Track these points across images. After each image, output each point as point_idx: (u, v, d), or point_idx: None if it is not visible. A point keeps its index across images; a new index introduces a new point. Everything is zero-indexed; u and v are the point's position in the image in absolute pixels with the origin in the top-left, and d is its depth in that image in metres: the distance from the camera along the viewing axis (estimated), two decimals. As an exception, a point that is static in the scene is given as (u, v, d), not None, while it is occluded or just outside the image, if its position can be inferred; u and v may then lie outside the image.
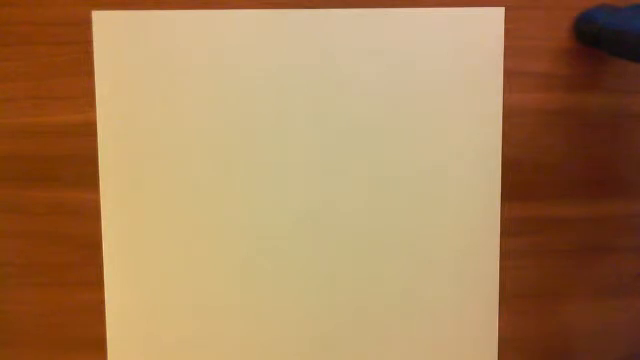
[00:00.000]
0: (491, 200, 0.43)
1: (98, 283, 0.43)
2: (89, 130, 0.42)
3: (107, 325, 0.43)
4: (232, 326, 0.43)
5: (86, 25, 0.41)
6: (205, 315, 0.43)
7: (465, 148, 0.42)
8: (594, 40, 0.40)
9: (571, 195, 0.44)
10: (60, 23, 0.41)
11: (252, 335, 0.43)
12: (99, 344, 0.43)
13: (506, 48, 0.42)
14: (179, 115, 0.42)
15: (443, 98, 0.42)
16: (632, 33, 0.36)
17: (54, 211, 0.42)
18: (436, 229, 0.43)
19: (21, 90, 0.42)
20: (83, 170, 0.42)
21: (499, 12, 0.42)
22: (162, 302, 0.43)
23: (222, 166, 0.42)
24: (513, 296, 0.44)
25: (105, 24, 0.41)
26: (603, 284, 0.44)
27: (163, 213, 0.42)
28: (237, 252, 0.43)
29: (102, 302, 0.43)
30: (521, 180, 0.43)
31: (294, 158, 0.42)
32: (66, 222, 0.42)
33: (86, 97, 0.42)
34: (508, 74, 0.42)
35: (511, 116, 0.43)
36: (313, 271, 0.43)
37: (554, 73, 0.42)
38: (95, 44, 0.41)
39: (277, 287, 0.43)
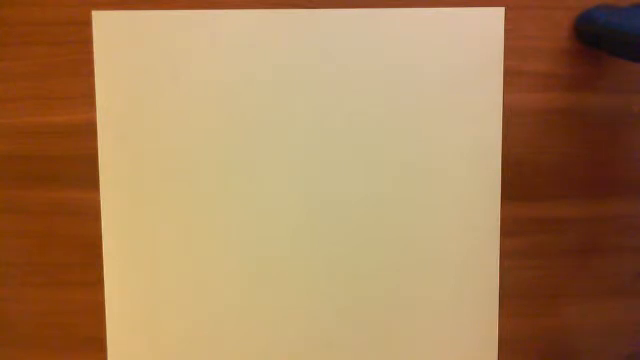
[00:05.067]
0: (491, 200, 0.43)
1: (98, 283, 0.43)
2: (89, 130, 0.42)
3: (107, 325, 0.43)
4: (232, 326, 0.43)
5: (86, 25, 0.41)
6: (205, 315, 0.43)
7: (465, 148, 0.42)
8: (594, 40, 0.40)
9: (571, 195, 0.44)
10: (60, 23, 0.41)
11: (252, 335, 0.43)
12: (99, 344, 0.43)
13: (506, 48, 0.42)
14: (179, 115, 0.42)
15: (443, 98, 0.42)
16: (632, 33, 0.36)
17: (54, 211, 0.42)
18: (436, 229, 0.43)
19: (21, 90, 0.42)
20: (83, 170, 0.42)
21: (499, 12, 0.42)
22: (162, 302, 0.43)
23: (222, 166, 0.42)
24: (513, 296, 0.44)
25: (105, 24, 0.41)
26: (603, 284, 0.44)
27: (163, 213, 0.42)
28: (237, 251, 0.43)
29: (102, 302, 0.43)
30: (521, 180, 0.43)
31: (294, 158, 0.42)
32: (66, 222, 0.42)
33: (86, 97, 0.42)
34: (508, 74, 0.42)
35: (511, 116, 0.43)
36: (313, 271, 0.43)
37: (554, 73, 0.42)
38: (95, 44, 0.41)
39: (277, 287, 0.43)
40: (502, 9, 0.42)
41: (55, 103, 0.42)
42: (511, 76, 0.42)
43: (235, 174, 0.42)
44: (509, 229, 0.43)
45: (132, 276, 0.43)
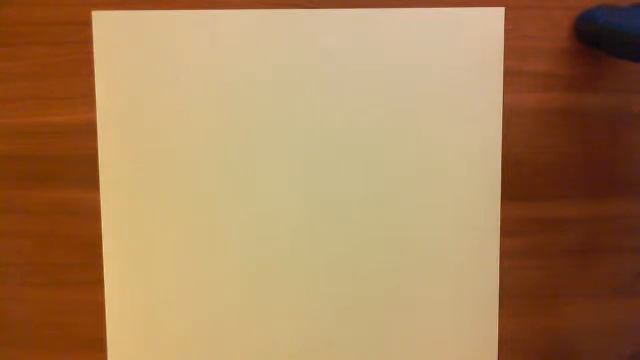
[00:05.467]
0: (491, 200, 0.43)
1: (98, 283, 0.43)
2: (89, 130, 0.42)
3: (107, 325, 0.43)
4: (232, 326, 0.43)
5: (86, 25, 0.41)
6: (205, 315, 0.43)
7: (465, 148, 0.42)
8: (594, 40, 0.40)
9: (571, 195, 0.44)
10: (60, 23, 0.41)
11: (252, 335, 0.43)
12: (99, 344, 0.43)
13: (506, 48, 0.42)
14: (179, 115, 0.42)
15: (443, 98, 0.42)
16: (632, 33, 0.36)
17: (54, 211, 0.42)
18: (436, 229, 0.43)
19: (21, 90, 0.42)
20: (83, 170, 0.42)
21: (499, 12, 0.42)
22: (162, 302, 0.43)
23: (222, 166, 0.42)
24: (513, 296, 0.44)
25: (105, 24, 0.41)
26: (603, 284, 0.44)
27: (163, 213, 0.42)
28: (237, 252, 0.43)
29: (102, 302, 0.43)
30: (521, 180, 0.43)
31: (294, 158, 0.42)
32: (66, 222, 0.42)
33: (86, 97, 0.42)
34: (508, 74, 0.42)
35: (511, 116, 0.43)
36: (313, 271, 0.43)
37: (554, 73, 0.42)
38: (95, 44, 0.41)
39: (277, 287, 0.43)
40: (502, 9, 0.42)
41: (55, 103, 0.42)
42: (511, 76, 0.42)
43: (235, 174, 0.42)
44: (509, 229, 0.43)
45: (132, 276, 0.43)
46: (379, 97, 0.42)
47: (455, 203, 0.43)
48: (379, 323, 0.43)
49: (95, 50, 0.41)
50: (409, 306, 0.43)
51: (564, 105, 0.43)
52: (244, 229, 0.42)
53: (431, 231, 0.43)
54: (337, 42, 0.41)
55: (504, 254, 0.43)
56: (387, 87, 0.42)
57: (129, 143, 0.42)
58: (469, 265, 0.43)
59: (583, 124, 0.43)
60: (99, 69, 0.41)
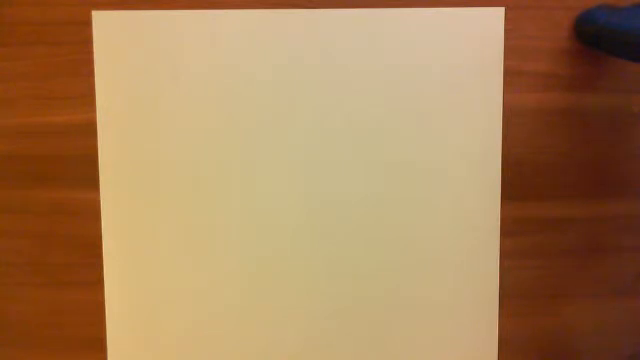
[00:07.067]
0: (491, 200, 0.43)
1: (98, 283, 0.43)
2: (89, 130, 0.42)
3: (107, 325, 0.43)
4: (232, 326, 0.43)
5: (86, 25, 0.41)
6: (205, 315, 0.43)
7: (465, 148, 0.42)
8: (594, 40, 0.40)
9: (571, 195, 0.44)
10: (60, 23, 0.41)
11: (252, 335, 0.43)
12: (99, 344, 0.43)
13: (506, 48, 0.42)
14: (179, 115, 0.42)
15: (443, 98, 0.42)
16: (632, 33, 0.36)
17: (54, 211, 0.42)
18: (436, 229, 0.43)
19: (21, 90, 0.42)
20: (83, 170, 0.42)
21: (499, 12, 0.42)
22: (162, 302, 0.43)
23: (222, 166, 0.42)
24: (513, 296, 0.44)
25: (105, 24, 0.41)
26: (603, 284, 0.44)
27: (163, 213, 0.42)
28: (237, 252, 0.43)
29: (102, 302, 0.43)
30: (521, 180, 0.43)
31: (293, 158, 0.42)
32: (66, 222, 0.42)
33: (86, 97, 0.42)
34: (508, 74, 0.42)
35: (511, 116, 0.43)
36: (313, 271, 0.43)
37: (554, 73, 0.42)
38: (95, 44, 0.41)
39: (277, 287, 0.43)
40: (502, 9, 0.42)
41: (55, 103, 0.42)
42: (511, 76, 0.42)
43: (235, 174, 0.42)
44: (509, 229, 0.43)
45: (132, 276, 0.43)
46: (379, 97, 0.42)
47: (455, 203, 0.43)
48: (379, 323, 0.43)
49: (95, 50, 0.41)
50: (409, 306, 0.43)
51: (564, 105, 0.43)
52: (244, 229, 0.42)
53: (431, 231, 0.43)
54: (337, 42, 0.41)
55: (504, 254, 0.43)
56: (387, 87, 0.42)
57: (129, 143, 0.42)
58: (469, 265, 0.43)
59: (583, 124, 0.43)
60: (99, 69, 0.41)
